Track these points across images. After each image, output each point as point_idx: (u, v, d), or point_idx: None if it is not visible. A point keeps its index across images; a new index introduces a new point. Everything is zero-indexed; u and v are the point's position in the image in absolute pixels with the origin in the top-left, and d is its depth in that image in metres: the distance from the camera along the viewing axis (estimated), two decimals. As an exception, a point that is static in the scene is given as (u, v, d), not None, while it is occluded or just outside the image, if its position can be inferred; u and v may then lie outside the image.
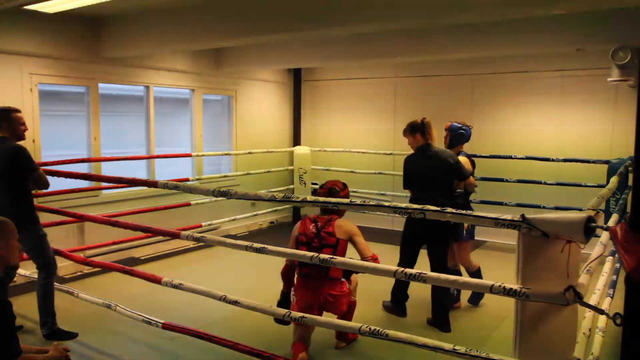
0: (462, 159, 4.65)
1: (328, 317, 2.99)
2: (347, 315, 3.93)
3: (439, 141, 4.67)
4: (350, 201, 2.79)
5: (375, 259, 3.71)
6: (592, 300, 2.84)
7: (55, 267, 4.14)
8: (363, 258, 3.73)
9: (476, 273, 4.84)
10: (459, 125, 4.84)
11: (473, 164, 4.84)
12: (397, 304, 4.71)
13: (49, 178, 4.04)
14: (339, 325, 3.11)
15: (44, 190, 4.17)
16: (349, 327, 3.02)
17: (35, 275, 4.21)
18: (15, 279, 5.05)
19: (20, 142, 3.99)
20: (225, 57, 7.51)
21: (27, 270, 4.75)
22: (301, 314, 2.95)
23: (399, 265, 4.11)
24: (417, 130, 4.56)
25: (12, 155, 3.85)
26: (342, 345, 4.05)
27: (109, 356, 3.91)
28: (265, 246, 2.96)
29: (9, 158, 3.85)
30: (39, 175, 3.91)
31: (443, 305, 4.44)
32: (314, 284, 3.74)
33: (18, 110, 4.02)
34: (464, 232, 4.72)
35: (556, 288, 2.02)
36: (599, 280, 3.29)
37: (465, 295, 4.98)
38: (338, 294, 3.79)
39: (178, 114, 7.44)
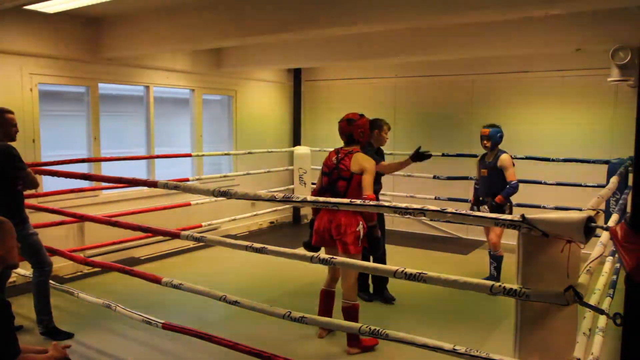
0: (507, 156, 5.27)
1: (330, 318, 3.00)
2: (351, 315, 3.87)
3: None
4: (351, 201, 2.79)
5: (370, 199, 3.80)
6: (592, 300, 2.84)
7: (50, 266, 4.14)
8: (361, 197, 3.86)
9: (497, 258, 5.38)
10: (498, 129, 5.31)
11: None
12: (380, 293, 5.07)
13: (50, 178, 4.04)
14: (340, 325, 3.10)
15: (35, 190, 4.17)
16: (348, 327, 3.02)
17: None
18: (14, 279, 5.06)
19: (12, 143, 3.98)
20: (225, 57, 7.50)
21: (27, 271, 4.74)
22: (301, 314, 2.95)
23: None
24: None
25: (1, 154, 3.85)
26: (355, 352, 3.89)
27: (109, 356, 3.91)
28: (265, 246, 2.96)
29: None
30: (27, 175, 3.91)
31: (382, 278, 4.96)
32: (331, 210, 3.87)
33: (11, 112, 4.02)
34: None
35: (556, 288, 2.02)
36: (599, 280, 3.29)
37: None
38: (349, 223, 3.86)
39: (178, 114, 7.44)
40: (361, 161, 3.97)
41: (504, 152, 5.34)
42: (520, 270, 2.14)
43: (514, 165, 5.30)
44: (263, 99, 8.54)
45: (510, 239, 5.63)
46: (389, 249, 5.64)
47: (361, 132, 4.18)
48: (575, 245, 2.07)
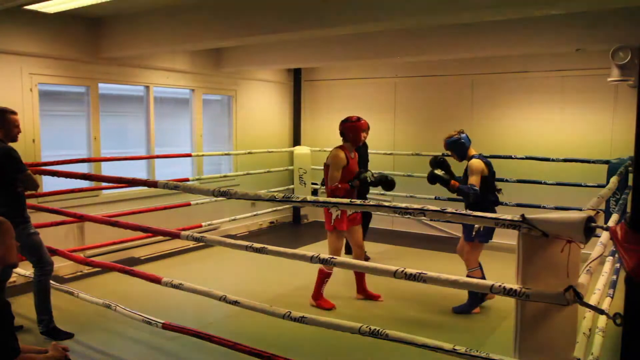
0: (476, 162, 4.61)
1: (330, 319, 3.00)
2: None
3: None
4: (350, 201, 2.79)
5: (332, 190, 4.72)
6: (592, 300, 2.84)
7: (51, 265, 4.14)
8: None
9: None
10: (453, 137, 4.71)
11: (488, 165, 4.70)
12: None
13: (50, 178, 4.04)
14: (340, 326, 3.10)
15: (35, 192, 4.17)
16: (347, 327, 3.02)
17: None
18: (14, 279, 5.06)
19: (13, 144, 3.98)
20: (225, 57, 7.51)
21: (27, 271, 4.74)
22: (301, 314, 2.95)
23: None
24: None
25: (1, 157, 3.85)
26: (312, 304, 4.88)
27: (109, 356, 3.91)
28: (265, 246, 2.96)
29: None
30: (26, 177, 3.90)
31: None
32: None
33: (14, 112, 4.00)
34: (473, 233, 4.60)
35: (556, 288, 2.02)
36: (599, 280, 3.29)
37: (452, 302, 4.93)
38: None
39: (178, 114, 7.44)
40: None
41: (474, 157, 4.68)
42: (520, 270, 2.14)
43: (487, 173, 4.64)
44: (263, 99, 8.54)
45: (510, 239, 5.63)
46: (389, 248, 5.67)
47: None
48: (575, 245, 2.07)
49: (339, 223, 4.72)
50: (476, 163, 4.59)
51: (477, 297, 4.75)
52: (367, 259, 6.05)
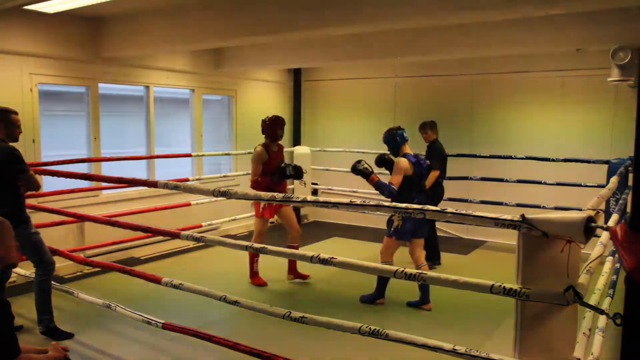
0: (401, 160, 4.73)
1: (329, 318, 3.00)
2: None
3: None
4: (350, 201, 2.80)
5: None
6: (592, 300, 2.84)
7: (53, 265, 4.14)
8: None
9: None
10: (392, 132, 4.89)
11: (415, 165, 4.76)
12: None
13: (50, 178, 4.04)
14: (340, 326, 3.10)
15: (36, 192, 4.18)
16: (348, 327, 3.02)
17: (35, 275, 4.20)
18: (15, 279, 5.06)
19: (14, 144, 3.98)
20: (225, 57, 7.51)
21: (27, 271, 4.75)
22: (301, 314, 2.95)
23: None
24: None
25: (3, 156, 3.85)
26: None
27: (109, 356, 3.91)
28: (265, 246, 2.96)
29: (0, 159, 3.85)
30: (29, 177, 3.91)
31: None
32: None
33: (16, 112, 4.01)
34: (392, 229, 4.77)
35: (556, 288, 2.02)
36: (599, 280, 3.29)
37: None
38: None
39: (178, 114, 7.44)
40: None
41: (405, 155, 4.75)
42: (520, 270, 2.14)
43: (411, 173, 4.70)
44: (263, 99, 8.54)
45: (510, 239, 5.63)
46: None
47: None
48: (575, 245, 2.07)
49: (266, 211, 5.34)
50: (402, 162, 4.73)
51: (384, 287, 4.96)
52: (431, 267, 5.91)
